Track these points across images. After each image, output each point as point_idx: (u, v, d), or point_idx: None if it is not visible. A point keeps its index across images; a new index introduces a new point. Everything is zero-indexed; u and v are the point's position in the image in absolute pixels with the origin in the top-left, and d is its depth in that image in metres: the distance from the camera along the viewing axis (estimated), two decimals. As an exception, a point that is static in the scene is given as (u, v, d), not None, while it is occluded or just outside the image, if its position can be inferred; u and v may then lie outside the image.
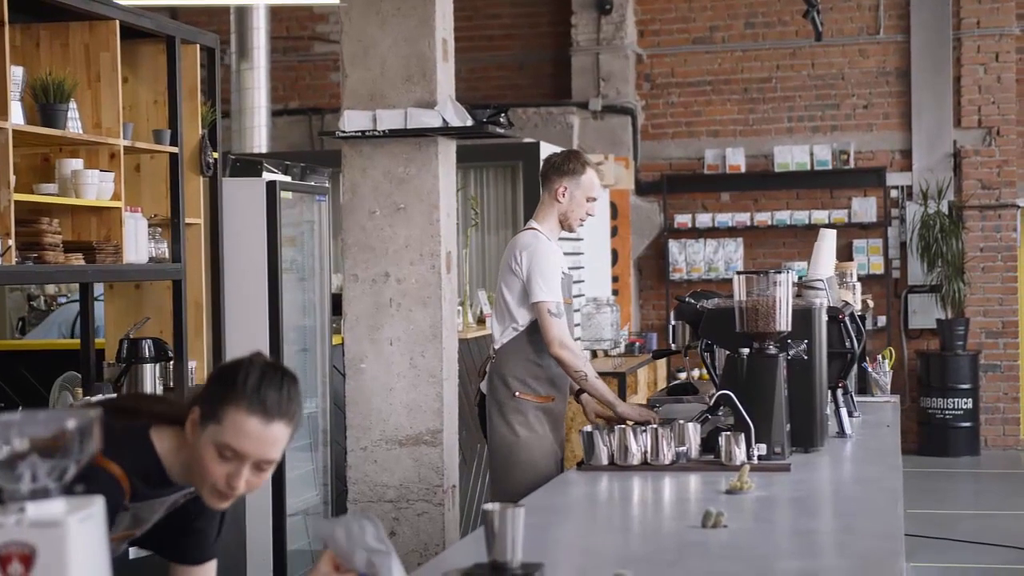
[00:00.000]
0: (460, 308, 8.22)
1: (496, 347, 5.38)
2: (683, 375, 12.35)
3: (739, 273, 4.54)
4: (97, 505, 1.82)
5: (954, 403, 12.46)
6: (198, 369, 5.94)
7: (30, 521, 1.75)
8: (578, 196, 5.35)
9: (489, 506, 2.77)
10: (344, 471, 5.92)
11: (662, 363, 11.44)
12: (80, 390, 5.52)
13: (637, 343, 11.20)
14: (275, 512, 6.42)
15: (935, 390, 12.51)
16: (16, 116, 4.76)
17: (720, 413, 4.51)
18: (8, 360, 6.65)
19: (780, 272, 4.49)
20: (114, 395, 5.02)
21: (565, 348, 5.16)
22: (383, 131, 5.79)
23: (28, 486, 1.77)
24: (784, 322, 4.47)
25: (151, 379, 5.49)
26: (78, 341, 5.84)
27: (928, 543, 8.77)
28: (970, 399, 12.48)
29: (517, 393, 5.27)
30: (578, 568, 3.03)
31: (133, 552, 4.66)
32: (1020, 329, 12.93)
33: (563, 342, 5.16)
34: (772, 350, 4.48)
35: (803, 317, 4.62)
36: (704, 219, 13.12)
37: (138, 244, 5.37)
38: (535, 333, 5.24)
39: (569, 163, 5.38)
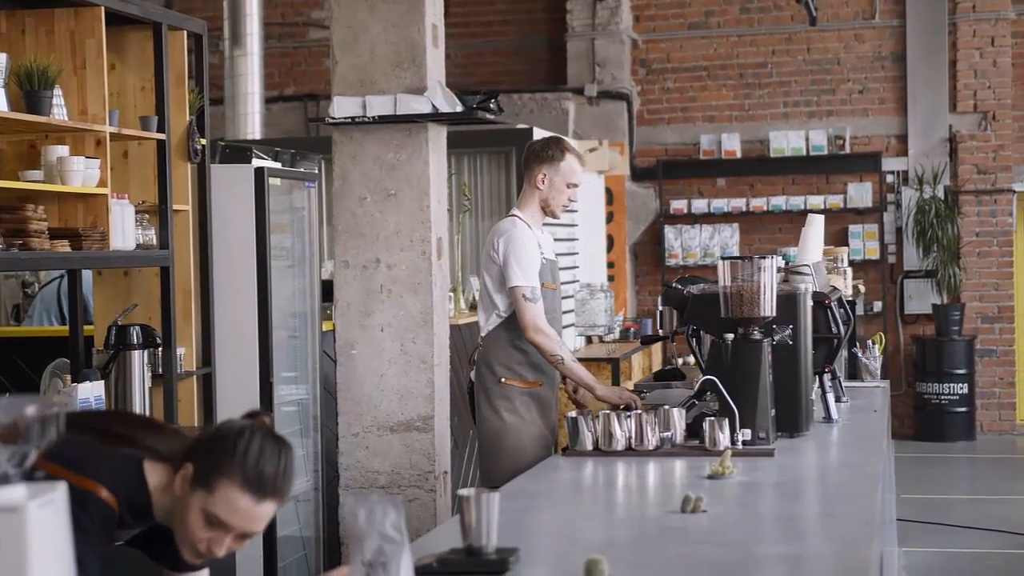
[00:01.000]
0: (452, 294, 8.23)
1: (482, 335, 5.42)
2: (679, 361, 12.37)
3: (723, 258, 4.54)
4: (59, 491, 1.82)
5: (950, 388, 12.47)
6: (187, 356, 5.95)
7: (-10, 507, 1.75)
8: (557, 182, 5.36)
9: (464, 491, 2.78)
10: (335, 457, 5.93)
11: (657, 349, 11.45)
12: (69, 376, 5.52)
13: (632, 329, 11.20)
14: (264, 498, 6.41)
15: (931, 375, 12.52)
16: (0, 103, 4.76)
17: (706, 398, 4.51)
18: (1, 347, 6.66)
19: (764, 258, 4.49)
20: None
21: (540, 332, 5.18)
22: (373, 117, 5.78)
23: (-12, 472, 1.77)
24: (769, 307, 4.47)
25: (139, 366, 5.49)
26: (67, 328, 5.83)
27: (923, 528, 8.78)
28: (966, 384, 12.49)
29: (503, 379, 5.30)
30: (554, 553, 3.03)
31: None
32: (1016, 314, 12.94)
33: (537, 326, 5.18)
34: (757, 335, 4.48)
35: (788, 302, 4.62)
36: (700, 205, 13.12)
37: (125, 231, 5.36)
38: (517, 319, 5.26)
39: (548, 150, 5.40)
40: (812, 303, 4.87)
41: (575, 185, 5.42)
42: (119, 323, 5.56)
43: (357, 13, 5.89)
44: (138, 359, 5.51)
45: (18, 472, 1.79)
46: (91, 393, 4.94)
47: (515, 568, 2.78)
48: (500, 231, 5.33)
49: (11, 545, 1.74)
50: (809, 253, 5.53)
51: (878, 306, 12.79)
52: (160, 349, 5.66)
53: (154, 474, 2.72)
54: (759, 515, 3.51)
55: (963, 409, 12.51)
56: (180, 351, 5.83)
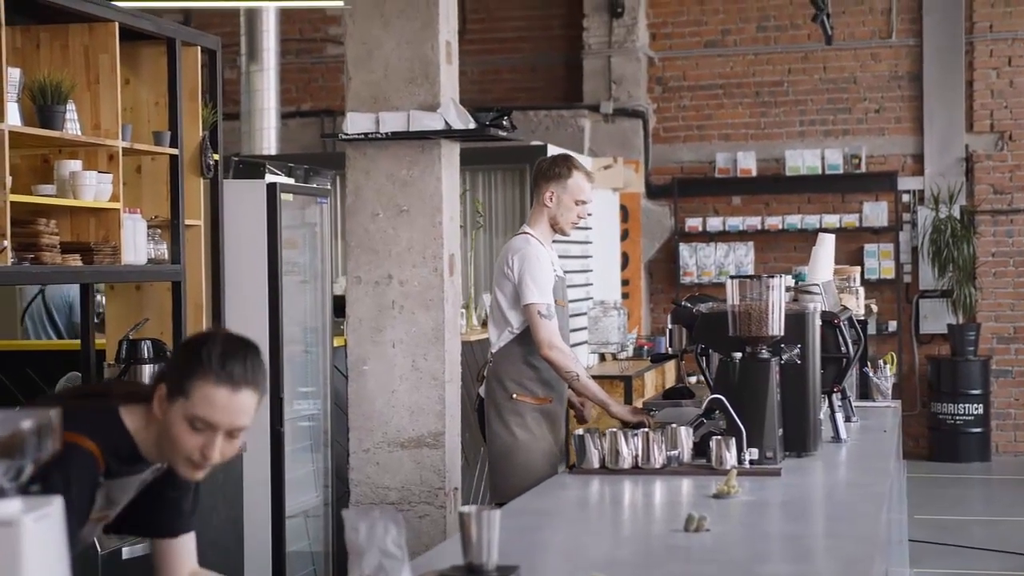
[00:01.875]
0: (464, 311, 8.23)
1: (493, 351, 5.45)
2: (693, 379, 12.34)
3: (732, 277, 4.54)
4: (54, 505, 1.83)
5: (965, 408, 12.42)
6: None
7: (-16, 520, 1.76)
8: (565, 200, 5.40)
9: (465, 509, 2.78)
10: (346, 473, 5.93)
11: (671, 366, 11.42)
12: (80, 390, 5.54)
13: (646, 347, 11.18)
14: (274, 513, 6.43)
15: (946, 395, 12.47)
16: (13, 117, 4.78)
17: (714, 417, 4.50)
18: (14, 360, 6.68)
19: (773, 277, 4.49)
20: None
21: (554, 349, 5.21)
22: (386, 133, 5.80)
23: (-17, 486, 1.78)
24: (777, 327, 4.46)
25: (149, 380, 5.51)
26: (79, 342, 5.86)
27: (937, 549, 8.75)
28: (981, 404, 12.44)
29: (514, 395, 5.32)
30: (556, 571, 3.03)
31: (127, 552, 4.70)
32: (1032, 335, 12.90)
33: (552, 343, 5.21)
34: (765, 354, 4.48)
35: (797, 322, 4.61)
36: (715, 223, 13.11)
37: (136, 245, 5.39)
38: (530, 335, 5.28)
39: (555, 167, 5.45)
40: (821, 322, 4.87)
41: (584, 202, 5.45)
42: (130, 337, 5.59)
43: (371, 29, 5.91)
44: (148, 373, 5.52)
45: (14, 486, 1.80)
46: None
47: (515, 586, 2.78)
48: (514, 248, 5.36)
49: (6, 559, 1.75)
50: (819, 272, 5.53)
51: (893, 326, 12.76)
52: (171, 363, 5.67)
53: (132, 417, 2.79)
54: (762, 535, 3.50)
55: (978, 430, 12.46)
56: (191, 365, 5.84)
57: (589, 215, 5.66)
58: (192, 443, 2.71)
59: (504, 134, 6.13)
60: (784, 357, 4.54)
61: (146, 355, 5.50)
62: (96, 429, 2.74)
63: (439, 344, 5.84)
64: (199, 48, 6.01)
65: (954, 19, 12.75)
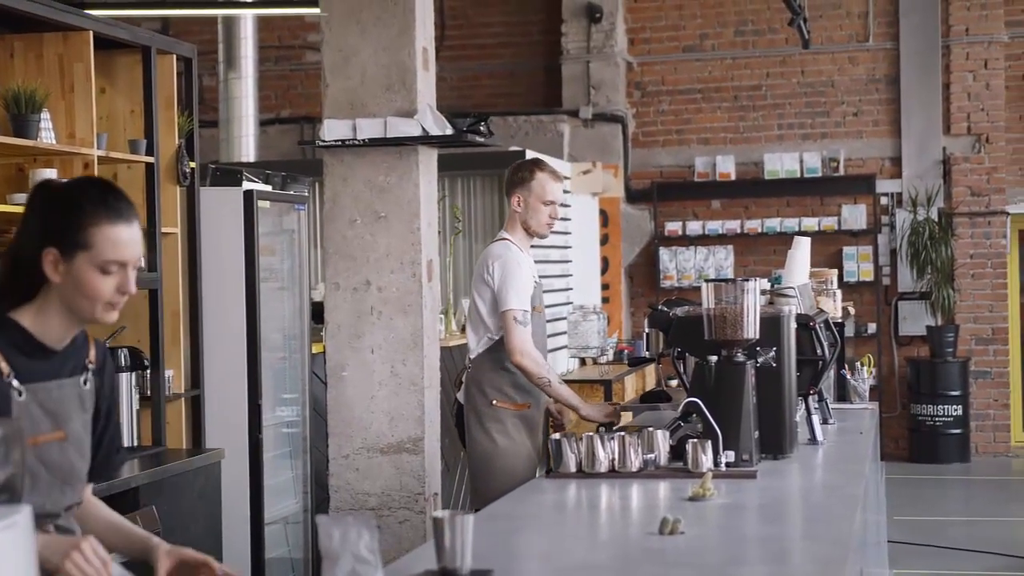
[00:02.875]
0: (443, 316, 8.24)
1: (471, 356, 5.48)
2: (674, 383, 12.36)
3: (707, 281, 4.56)
4: (23, 514, 1.83)
5: (944, 410, 12.46)
6: (175, 378, 5.96)
7: (-49, 530, 1.76)
8: (532, 202, 5.46)
9: (438, 513, 2.79)
10: (325, 479, 5.93)
11: (651, 370, 11.44)
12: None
13: (626, 351, 11.19)
14: (253, 520, 6.43)
15: (925, 397, 12.51)
16: (-13, 127, 4.79)
17: (691, 420, 4.51)
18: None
19: (748, 280, 4.51)
20: None
21: (525, 356, 5.25)
22: (363, 140, 5.80)
23: (-49, 494, 1.78)
24: (752, 330, 4.48)
25: (127, 388, 5.50)
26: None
27: (917, 550, 8.78)
28: (960, 406, 12.49)
29: (494, 402, 5.35)
30: (529, 574, 3.04)
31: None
32: (1010, 336, 12.95)
33: (523, 350, 5.24)
34: (740, 357, 4.49)
35: (772, 324, 4.63)
36: (694, 227, 13.14)
37: (113, 253, 5.38)
38: None
39: (519, 172, 5.53)
40: (797, 325, 4.88)
41: (551, 202, 5.49)
42: (107, 345, 5.57)
43: (348, 36, 5.91)
44: (126, 381, 5.52)
45: (-18, 494, 1.80)
46: None
47: (489, 590, 2.79)
48: (494, 255, 5.40)
49: (-27, 567, 1.76)
50: (795, 275, 5.55)
51: (872, 328, 12.80)
52: (148, 371, 5.67)
53: (22, 315, 2.78)
54: (737, 537, 3.51)
55: (957, 431, 12.51)
56: (168, 373, 5.85)
57: (564, 218, 5.68)
58: (107, 287, 2.75)
59: (481, 140, 6.13)
60: (759, 360, 4.55)
61: (123, 363, 5.50)
62: None
63: (418, 350, 5.85)
64: (175, 56, 6.01)
65: (931, 23, 12.81)
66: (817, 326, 5.11)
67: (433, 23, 6.23)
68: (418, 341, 5.84)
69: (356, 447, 5.79)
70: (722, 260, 13.10)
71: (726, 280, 4.54)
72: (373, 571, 2.64)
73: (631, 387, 10.19)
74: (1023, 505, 11.07)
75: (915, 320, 12.82)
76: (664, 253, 13.17)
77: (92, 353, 2.92)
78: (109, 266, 2.74)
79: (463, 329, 8.42)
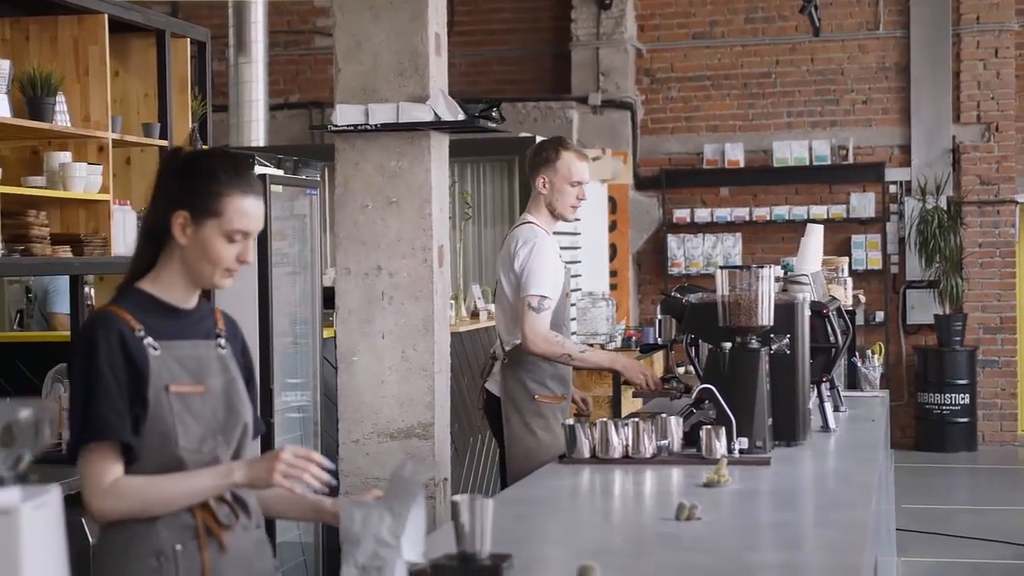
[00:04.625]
0: (453, 302, 8.24)
1: (507, 348, 5.31)
2: (681, 370, 12.35)
3: (722, 268, 4.55)
4: (52, 493, 1.84)
5: (951, 398, 12.47)
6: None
7: (-17, 509, 1.77)
8: (558, 183, 5.32)
9: (458, 498, 2.79)
10: (336, 464, 5.94)
11: (659, 357, 11.45)
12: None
13: (635, 337, 11.19)
14: (264, 504, 6.43)
15: (932, 385, 12.52)
16: (3, 109, 4.79)
17: (704, 407, 4.51)
18: (3, 351, 6.68)
19: (762, 267, 4.50)
20: None
21: (538, 341, 5.12)
22: (375, 125, 5.80)
23: (-18, 474, 1.80)
24: (766, 316, 4.48)
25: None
26: (68, 334, 5.85)
27: (923, 538, 8.79)
28: (967, 394, 12.49)
29: (537, 396, 5.24)
30: (547, 559, 3.05)
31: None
32: (1018, 324, 12.94)
33: (535, 336, 5.11)
34: (754, 344, 4.49)
35: (786, 312, 4.63)
36: (703, 214, 13.13)
37: (127, 237, 5.39)
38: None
39: (543, 152, 5.36)
40: (810, 312, 4.88)
41: (578, 183, 5.35)
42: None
43: (361, 21, 5.91)
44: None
45: (12, 475, 1.81)
46: None
47: (508, 574, 2.79)
48: (521, 239, 5.27)
49: (5, 546, 1.76)
50: (808, 263, 5.55)
51: (880, 316, 12.80)
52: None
53: (146, 283, 2.92)
54: (753, 523, 3.52)
55: (964, 419, 12.51)
56: (180, 356, 5.85)
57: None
58: (229, 254, 2.87)
59: (493, 126, 6.13)
60: (773, 347, 4.55)
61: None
62: (115, 300, 2.92)
63: (429, 335, 5.84)
64: (188, 40, 6.01)
65: (941, 10, 12.79)
66: (830, 313, 5.11)
67: (446, 9, 6.23)
68: (429, 327, 5.84)
69: (366, 432, 5.79)
70: (730, 248, 13.10)
71: (741, 267, 4.53)
72: (394, 554, 2.65)
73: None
74: (1029, 494, 11.11)
75: (923, 309, 12.82)
76: (672, 240, 13.17)
77: (221, 322, 3.04)
78: (235, 235, 2.87)
79: (473, 315, 8.43)
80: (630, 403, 9.14)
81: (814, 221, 12.67)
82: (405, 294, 5.84)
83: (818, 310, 5.06)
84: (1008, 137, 12.78)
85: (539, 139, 10.20)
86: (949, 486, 11.30)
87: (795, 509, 3.81)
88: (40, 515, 1.80)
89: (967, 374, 12.51)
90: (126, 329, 2.83)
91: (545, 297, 5.18)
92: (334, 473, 6.01)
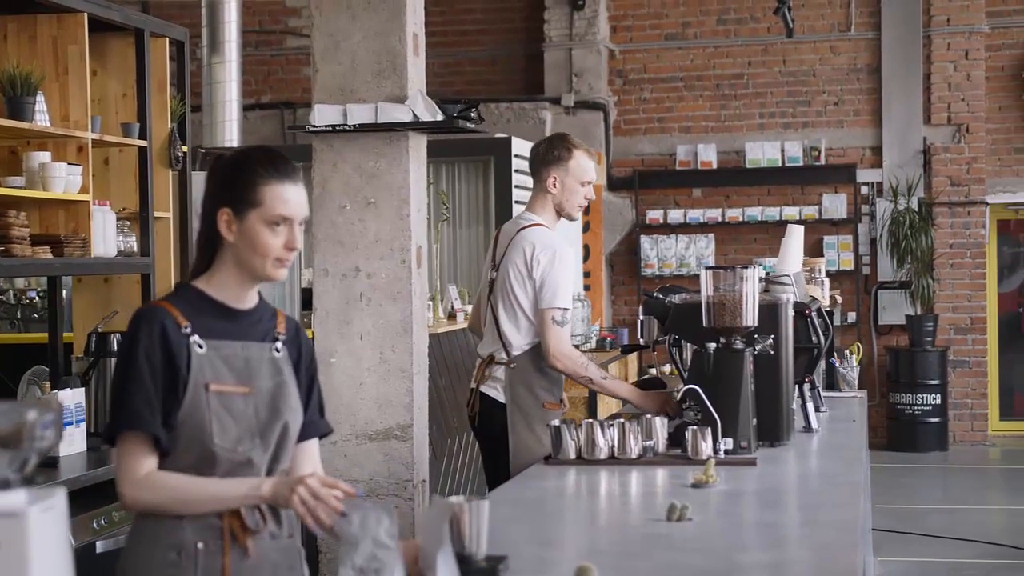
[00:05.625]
0: (431, 303, 8.22)
1: (514, 352, 5.13)
2: (653, 370, 12.38)
3: (707, 268, 4.55)
4: (58, 497, 1.82)
5: (923, 399, 12.53)
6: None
7: (-9, 512, 1.75)
8: (569, 183, 5.17)
9: (454, 499, 2.79)
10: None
11: (633, 358, 11.47)
12: (48, 384, 5.49)
13: (609, 338, 11.20)
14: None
15: (904, 386, 12.58)
16: (-18, 109, 4.75)
17: (687, 407, 4.51)
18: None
19: (747, 268, 4.51)
20: None
21: (562, 358, 4.97)
22: (353, 125, 5.78)
23: (-12, 477, 1.78)
24: (751, 317, 4.48)
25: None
26: (46, 335, 5.81)
27: (896, 537, 8.83)
28: (939, 395, 12.56)
29: (546, 404, 5.11)
30: (542, 560, 3.04)
31: (100, 546, 4.66)
32: (988, 325, 13.02)
33: (559, 352, 4.96)
34: (739, 345, 4.50)
35: (770, 312, 4.64)
36: (676, 215, 13.16)
37: (106, 238, 5.35)
38: None
39: (554, 150, 5.18)
40: (793, 313, 4.89)
41: (588, 183, 5.21)
42: (99, 330, 5.54)
43: (338, 21, 5.89)
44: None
45: (19, 477, 1.79)
46: (72, 400, 4.91)
47: None
48: (540, 244, 5.08)
49: (13, 549, 1.75)
50: (789, 263, 5.55)
51: (853, 317, 12.86)
52: (140, 356, 5.63)
53: (198, 281, 2.97)
54: (745, 523, 3.52)
55: (936, 419, 12.58)
56: (160, 358, 5.81)
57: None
58: (276, 243, 2.91)
59: (472, 126, 6.12)
60: (757, 348, 4.56)
61: (115, 348, 5.46)
62: (168, 295, 2.98)
63: (407, 336, 5.83)
64: (167, 39, 5.97)
65: (912, 12, 12.85)
66: (812, 314, 5.12)
67: (423, 8, 6.22)
68: (408, 328, 5.83)
69: (345, 434, 5.78)
70: (703, 249, 13.13)
71: (725, 268, 4.53)
72: (393, 555, 2.64)
73: (616, 374, 10.21)
74: (1000, 493, 11.18)
75: (894, 309, 12.88)
76: (645, 241, 13.19)
77: (282, 325, 3.06)
78: (277, 222, 2.90)
79: (450, 316, 8.41)
80: (606, 405, 9.15)
81: (787, 222, 12.69)
82: (383, 295, 5.83)
83: (801, 311, 5.07)
84: (978, 139, 12.86)
85: (516, 140, 10.23)
86: (922, 486, 11.36)
87: (785, 509, 3.81)
88: (47, 518, 1.78)
89: (938, 374, 12.58)
90: (171, 324, 2.87)
91: (567, 310, 5.04)
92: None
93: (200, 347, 2.89)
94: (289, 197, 2.92)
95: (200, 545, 2.86)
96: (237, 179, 2.94)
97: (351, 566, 2.74)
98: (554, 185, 5.19)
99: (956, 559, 8.35)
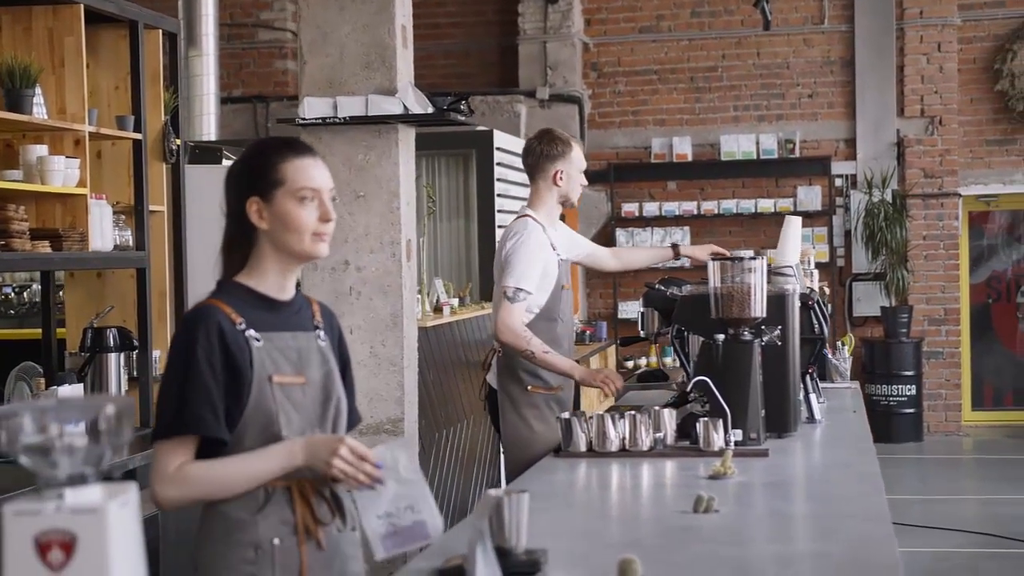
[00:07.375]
0: (418, 297, 8.19)
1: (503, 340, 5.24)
2: (630, 364, 12.40)
3: (714, 259, 4.54)
4: (132, 491, 1.79)
5: (898, 390, 12.60)
6: (162, 358, 5.87)
7: (69, 508, 1.73)
8: (573, 174, 5.39)
9: (494, 492, 2.76)
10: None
11: (611, 351, 11.48)
12: (42, 380, 5.43)
13: (587, 332, 11.22)
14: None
15: (879, 377, 12.64)
16: (-20, 101, 4.69)
17: (694, 398, 4.50)
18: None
19: (755, 258, 4.50)
20: None
21: (506, 331, 5.10)
22: (343, 118, 5.75)
23: (66, 472, 1.74)
24: (759, 308, 4.48)
25: (115, 368, 5.42)
26: (39, 331, 5.74)
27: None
28: (913, 386, 12.63)
29: (529, 387, 5.23)
30: (581, 553, 3.02)
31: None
32: (962, 316, 13.11)
33: (505, 326, 5.09)
34: (747, 336, 4.49)
35: (777, 303, 4.63)
36: (651, 208, 13.17)
37: (103, 231, 5.30)
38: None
39: (557, 146, 5.36)
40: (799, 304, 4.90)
41: (583, 169, 5.46)
42: (95, 325, 5.49)
43: (326, 13, 5.86)
44: (114, 362, 5.44)
45: (95, 472, 1.76)
46: (71, 396, 4.86)
47: (545, 569, 2.77)
48: (512, 231, 5.26)
49: (91, 545, 1.72)
50: (788, 254, 5.56)
51: (828, 308, 12.88)
52: (136, 352, 5.59)
53: (241, 277, 2.94)
54: (768, 514, 3.52)
55: (911, 410, 12.65)
56: (156, 353, 5.77)
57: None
58: (309, 216, 2.89)
59: (463, 119, 6.11)
60: (765, 338, 4.55)
61: (112, 343, 5.41)
62: (215, 293, 2.95)
63: (397, 330, 5.81)
64: (160, 31, 5.92)
65: (885, 5, 12.90)
66: (815, 304, 5.13)
67: (411, 1, 6.20)
68: (397, 321, 5.81)
69: (337, 428, 5.74)
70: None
71: (733, 259, 4.53)
72: (420, 487, 2.64)
73: (596, 367, 10.21)
74: (975, 483, 11.25)
75: (869, 301, 12.94)
76: (621, 234, 13.19)
77: (318, 314, 3.05)
78: (304, 194, 2.88)
79: (436, 309, 8.38)
80: (588, 399, 9.14)
81: (761, 215, 12.76)
82: (373, 289, 5.80)
83: (804, 301, 5.08)
84: (951, 131, 12.93)
85: (497, 133, 10.19)
86: (897, 476, 11.39)
87: (805, 500, 3.82)
88: (124, 512, 1.76)
89: (913, 365, 12.65)
90: (226, 322, 2.85)
91: (521, 289, 5.14)
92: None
93: (257, 340, 2.87)
94: (309, 168, 2.91)
95: (276, 541, 2.84)
96: (256, 166, 2.93)
97: (375, 515, 2.74)
98: (560, 178, 5.35)
99: (933, 548, 8.40)
